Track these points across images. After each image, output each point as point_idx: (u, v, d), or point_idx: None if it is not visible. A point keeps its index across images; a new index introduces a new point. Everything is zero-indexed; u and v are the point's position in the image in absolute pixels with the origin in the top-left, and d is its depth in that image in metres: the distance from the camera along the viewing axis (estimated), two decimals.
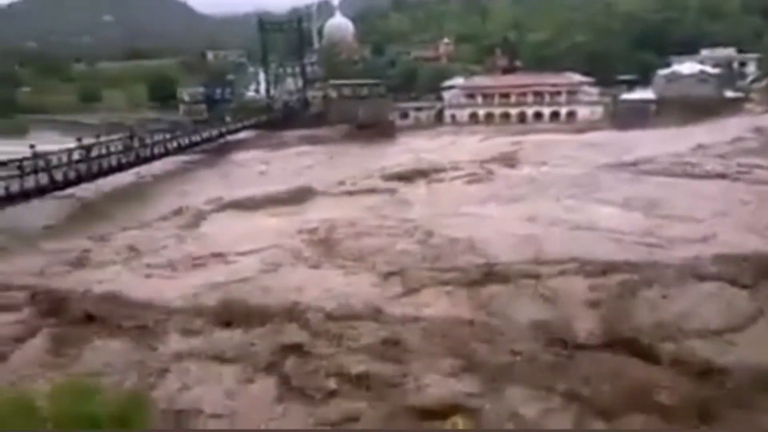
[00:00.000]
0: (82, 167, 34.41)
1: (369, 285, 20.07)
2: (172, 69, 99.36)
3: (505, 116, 67.72)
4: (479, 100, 70.02)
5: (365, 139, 55.71)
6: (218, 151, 52.69)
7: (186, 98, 77.16)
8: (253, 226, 28.95)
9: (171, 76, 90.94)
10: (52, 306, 19.55)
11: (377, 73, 75.93)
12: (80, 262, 24.60)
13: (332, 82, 72.84)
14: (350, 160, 47.06)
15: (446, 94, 72.51)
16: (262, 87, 76.63)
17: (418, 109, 70.17)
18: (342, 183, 37.81)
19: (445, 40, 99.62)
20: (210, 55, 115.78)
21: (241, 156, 51.36)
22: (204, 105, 73.37)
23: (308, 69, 76.96)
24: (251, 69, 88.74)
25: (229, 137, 56.92)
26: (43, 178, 30.97)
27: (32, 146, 35.22)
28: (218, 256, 24.05)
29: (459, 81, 74.80)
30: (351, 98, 67.08)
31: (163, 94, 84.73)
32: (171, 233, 28.39)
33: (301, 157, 49.29)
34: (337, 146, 54.22)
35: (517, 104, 68.48)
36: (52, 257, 25.10)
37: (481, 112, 68.66)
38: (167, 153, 44.50)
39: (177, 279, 21.89)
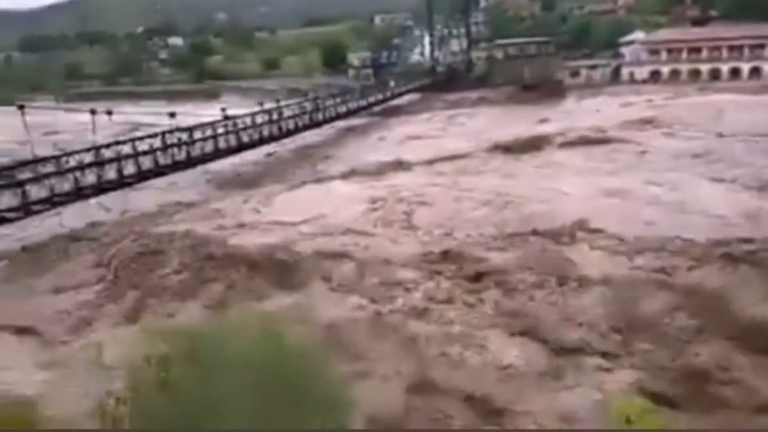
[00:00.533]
0: (265, 129, 37.75)
1: None
2: (344, 34, 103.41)
3: (695, 73, 60.55)
4: (663, 56, 63.35)
5: (527, 101, 53.34)
6: (380, 114, 54.32)
7: (355, 63, 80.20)
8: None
9: (342, 42, 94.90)
10: None
11: (547, 31, 71.94)
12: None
13: (498, 42, 70.73)
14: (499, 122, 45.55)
15: (624, 50, 66.69)
16: (427, 50, 76.82)
17: (592, 67, 65.54)
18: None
19: None
20: (377, 20, 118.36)
21: (396, 120, 52.13)
22: (371, 69, 75.71)
23: (473, 29, 75.45)
24: (417, 32, 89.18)
25: (395, 101, 58.37)
26: (232, 140, 34.58)
27: (223, 110, 39.33)
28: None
29: (639, 35, 68.24)
30: (517, 58, 64.69)
31: (334, 59, 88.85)
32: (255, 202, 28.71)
33: (453, 120, 48.90)
34: (492, 108, 52.75)
35: (710, 60, 60.82)
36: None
37: (665, 69, 62.14)
38: (337, 117, 46.94)
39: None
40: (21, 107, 24.38)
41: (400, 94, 59.92)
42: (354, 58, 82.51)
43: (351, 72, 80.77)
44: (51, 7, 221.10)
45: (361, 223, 23.42)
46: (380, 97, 56.10)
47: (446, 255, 19.20)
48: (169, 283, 19.06)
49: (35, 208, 22.13)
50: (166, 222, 25.59)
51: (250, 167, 37.94)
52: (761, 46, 59.43)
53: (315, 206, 25.64)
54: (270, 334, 8.46)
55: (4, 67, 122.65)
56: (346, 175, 32.36)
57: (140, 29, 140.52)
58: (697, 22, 72.91)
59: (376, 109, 55.01)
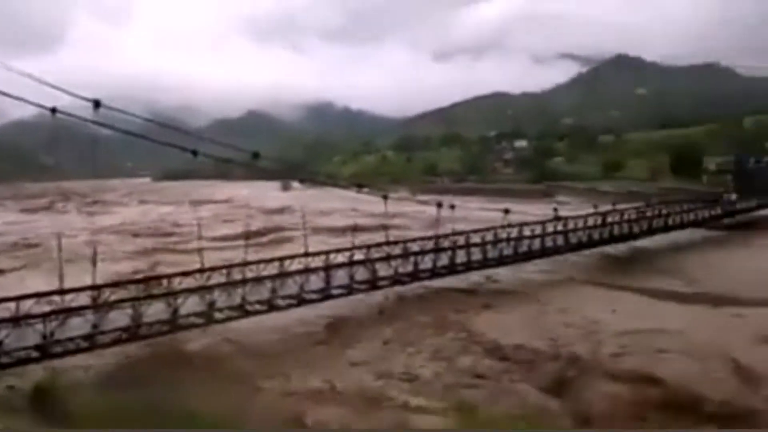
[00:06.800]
0: (596, 232, 36.38)
1: None
2: (700, 137, 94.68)
3: None
4: None
5: None
6: (740, 228, 46.67)
7: (711, 167, 72.02)
8: None
9: (697, 145, 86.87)
10: None
11: None
12: None
13: None
14: None
15: None
16: None
17: None
18: None
19: None
20: (747, 121, 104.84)
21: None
22: (730, 175, 66.70)
23: None
24: None
25: (759, 212, 49.84)
26: (559, 239, 34.27)
27: (555, 209, 39.54)
28: None
29: None
30: None
31: (686, 163, 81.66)
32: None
33: None
34: None
35: None
36: None
37: None
38: (682, 225, 42.28)
39: None
40: (385, 197, 29.25)
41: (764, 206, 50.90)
42: (710, 162, 74.20)
43: (705, 177, 72.59)
44: (421, 116, 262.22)
45: None
46: (739, 207, 48.60)
47: None
48: None
49: (380, 283, 25.53)
50: None
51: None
52: None
53: None
54: None
55: (381, 163, 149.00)
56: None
57: (492, 133, 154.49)
58: None
59: (738, 219, 47.77)
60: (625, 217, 38.99)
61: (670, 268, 34.99)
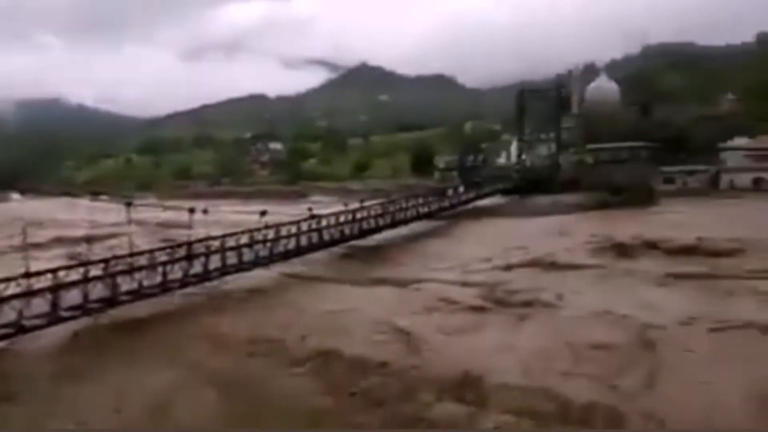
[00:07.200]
0: (347, 228, 38.47)
1: None
2: (433, 140, 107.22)
3: None
4: None
5: (612, 208, 51.63)
6: (458, 216, 53.79)
7: (440, 165, 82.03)
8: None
9: (431, 146, 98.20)
10: None
11: (642, 136, 70.42)
12: None
13: (590, 146, 69.98)
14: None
15: (725, 156, 63.59)
16: (513, 154, 77.37)
17: (689, 173, 62.79)
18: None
19: (729, 95, 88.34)
20: (468, 126, 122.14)
21: (472, 223, 51.29)
22: (456, 172, 76.85)
23: (564, 134, 75.44)
24: (505, 137, 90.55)
25: (478, 202, 58.25)
26: (314, 237, 35.37)
27: (309, 209, 40.76)
28: None
29: (742, 141, 65.15)
30: (609, 163, 63.27)
31: (422, 162, 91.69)
32: None
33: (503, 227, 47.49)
34: (561, 216, 50.80)
35: None
36: None
37: None
38: (419, 217, 47.16)
39: None
40: (128, 204, 26.66)
41: (483, 196, 59.76)
42: (440, 161, 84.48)
43: (437, 174, 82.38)
44: (170, 116, 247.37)
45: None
46: (463, 198, 56.19)
47: None
48: None
49: (122, 298, 23.13)
50: None
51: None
52: None
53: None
54: None
55: (124, 167, 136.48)
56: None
57: (248, 135, 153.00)
58: None
59: (460, 209, 54.92)
60: (372, 212, 42.00)
61: (392, 257, 38.17)
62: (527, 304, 25.00)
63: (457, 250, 38.47)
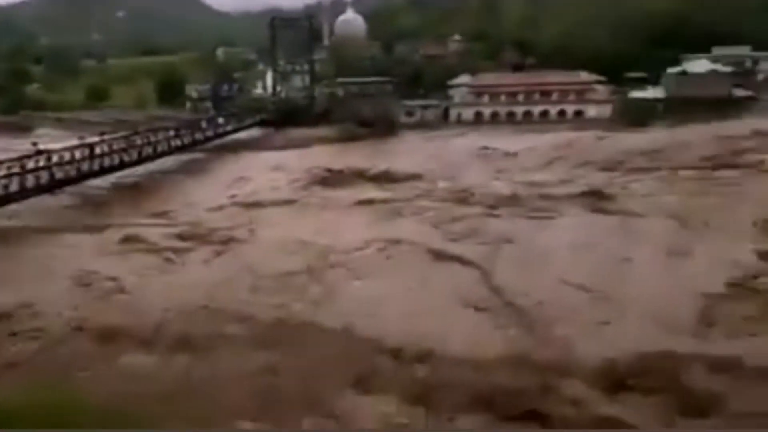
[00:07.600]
0: (84, 165, 34.59)
1: None
2: (183, 65, 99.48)
3: (511, 115, 67.15)
4: (486, 98, 69.45)
5: (360, 138, 55.88)
6: (215, 150, 52.37)
7: (193, 95, 77.48)
8: None
9: (181, 73, 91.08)
10: None
11: (386, 71, 75.49)
12: None
13: (340, 79, 72.68)
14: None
15: (453, 92, 72.03)
16: (269, 84, 76.71)
17: (425, 107, 69.69)
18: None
19: (455, 36, 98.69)
20: (220, 52, 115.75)
21: (227, 158, 50.86)
22: (210, 102, 73.59)
23: (317, 66, 76.88)
24: (260, 66, 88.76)
25: (232, 135, 57.08)
26: (44, 176, 31.15)
27: (35, 144, 35.51)
28: None
29: (466, 79, 74.27)
30: (357, 96, 66.88)
31: (171, 91, 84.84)
32: None
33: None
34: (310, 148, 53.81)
35: (524, 103, 67.88)
36: None
37: (487, 111, 68.11)
38: (170, 151, 44.55)
39: None
40: None
41: (238, 129, 58.77)
42: (192, 90, 79.66)
43: (189, 104, 77.76)
44: None
45: None
46: (218, 131, 54.44)
47: None
48: None
49: None
50: None
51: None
52: (566, 92, 67.68)
53: None
54: None
55: None
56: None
57: None
58: (517, 69, 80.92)
59: (216, 143, 53.21)
60: (114, 147, 38.39)
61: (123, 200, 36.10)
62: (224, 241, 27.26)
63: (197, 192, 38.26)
